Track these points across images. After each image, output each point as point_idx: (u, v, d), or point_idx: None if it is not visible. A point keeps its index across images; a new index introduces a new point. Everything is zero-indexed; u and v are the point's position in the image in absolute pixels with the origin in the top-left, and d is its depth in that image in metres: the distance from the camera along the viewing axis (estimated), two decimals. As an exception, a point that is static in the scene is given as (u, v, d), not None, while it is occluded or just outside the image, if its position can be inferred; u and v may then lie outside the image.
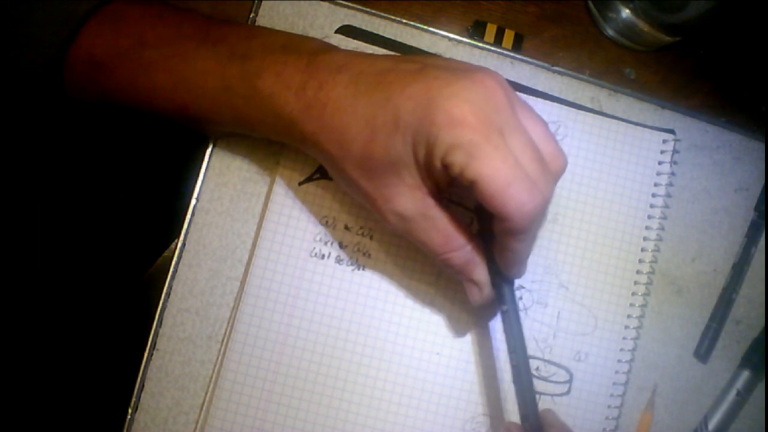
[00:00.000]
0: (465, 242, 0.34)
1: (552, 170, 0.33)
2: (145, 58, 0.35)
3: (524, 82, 0.43)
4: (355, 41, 0.41)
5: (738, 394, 0.42)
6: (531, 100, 0.42)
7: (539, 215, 0.31)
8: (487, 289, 0.35)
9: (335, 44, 0.40)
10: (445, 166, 0.30)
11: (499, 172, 0.30)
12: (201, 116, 0.37)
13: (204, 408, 0.38)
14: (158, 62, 0.35)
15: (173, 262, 0.39)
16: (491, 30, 0.45)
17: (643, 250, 0.42)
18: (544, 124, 0.33)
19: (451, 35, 0.43)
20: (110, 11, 0.36)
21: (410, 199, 0.33)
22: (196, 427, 0.38)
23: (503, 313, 0.35)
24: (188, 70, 0.35)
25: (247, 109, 0.35)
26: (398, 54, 0.37)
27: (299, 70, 0.34)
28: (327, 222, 0.39)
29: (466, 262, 0.34)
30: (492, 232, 0.33)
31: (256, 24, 0.42)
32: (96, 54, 0.35)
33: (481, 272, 0.35)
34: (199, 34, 0.35)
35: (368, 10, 0.43)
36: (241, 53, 0.34)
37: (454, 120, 0.30)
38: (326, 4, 0.42)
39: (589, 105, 0.44)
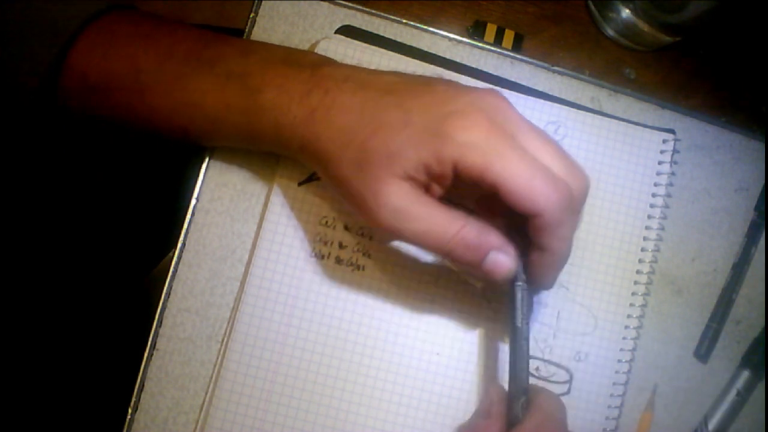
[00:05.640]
0: (467, 214, 0.33)
1: (579, 196, 0.33)
2: (140, 82, 0.34)
3: (524, 82, 0.43)
4: (355, 41, 0.41)
5: (738, 394, 0.42)
6: (531, 100, 0.42)
7: (571, 206, 0.32)
8: (512, 249, 0.33)
9: (335, 44, 0.41)
10: (458, 171, 0.31)
11: (519, 170, 0.30)
12: (202, 136, 0.37)
13: (204, 408, 0.38)
14: (154, 87, 0.35)
15: (173, 262, 0.39)
16: (491, 30, 0.45)
17: (643, 250, 0.42)
18: (556, 145, 0.34)
19: (451, 35, 0.43)
20: (99, 29, 0.35)
21: (400, 190, 0.32)
22: (196, 427, 0.38)
23: (516, 287, 0.35)
24: (186, 93, 0.35)
25: (247, 124, 0.35)
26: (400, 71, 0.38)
27: (302, 81, 0.34)
28: (327, 222, 0.39)
29: (480, 231, 0.32)
30: (528, 241, 0.33)
31: (256, 24, 0.42)
32: (89, 77, 0.34)
33: (498, 235, 0.33)
34: (192, 57, 0.35)
35: (368, 10, 0.43)
36: (240, 71, 0.34)
37: (469, 125, 0.31)
38: (326, 4, 0.42)
39: (589, 105, 0.44)
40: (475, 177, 0.31)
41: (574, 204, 0.33)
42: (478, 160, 0.30)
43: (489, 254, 0.33)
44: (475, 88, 0.33)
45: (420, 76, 0.36)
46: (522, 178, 0.30)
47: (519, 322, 0.36)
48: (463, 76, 0.42)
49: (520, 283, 0.35)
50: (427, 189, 0.33)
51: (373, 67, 0.39)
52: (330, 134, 0.33)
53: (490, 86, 0.36)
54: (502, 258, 0.33)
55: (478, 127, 0.31)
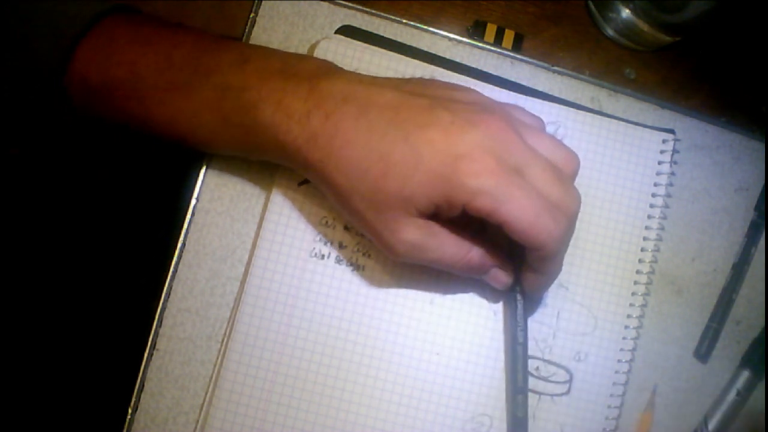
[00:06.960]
0: (472, 238, 0.36)
1: (568, 174, 0.36)
2: (138, 89, 0.35)
3: (524, 82, 0.43)
4: (355, 41, 0.41)
5: (738, 394, 0.42)
6: (531, 100, 0.42)
7: (568, 236, 0.35)
8: (510, 266, 0.37)
9: (335, 44, 0.41)
10: (467, 210, 0.33)
11: (526, 210, 0.32)
12: (200, 145, 0.37)
13: (204, 408, 0.38)
14: (153, 95, 0.35)
15: (173, 262, 0.39)
16: (491, 30, 0.45)
17: (643, 250, 0.42)
18: (550, 136, 0.36)
19: (451, 35, 0.43)
20: (101, 32, 0.35)
21: (415, 226, 0.34)
22: (196, 427, 0.38)
23: (514, 300, 0.38)
24: (184, 103, 0.35)
25: (246, 138, 0.35)
26: (399, 78, 0.38)
27: (301, 98, 0.33)
28: (327, 222, 0.39)
29: (483, 254, 0.36)
30: (523, 260, 0.36)
31: (256, 24, 0.42)
32: (90, 80, 0.35)
33: (498, 256, 0.37)
34: (190, 64, 0.35)
35: (368, 10, 0.43)
36: (237, 84, 0.34)
37: (478, 170, 0.32)
38: (326, 4, 0.42)
39: (589, 105, 0.44)
40: (483, 216, 0.33)
41: (570, 229, 0.35)
42: (487, 203, 0.32)
43: (490, 270, 0.37)
44: (476, 114, 0.33)
45: (417, 84, 0.36)
46: (527, 217, 0.32)
47: (516, 327, 0.38)
48: (463, 76, 0.42)
49: (517, 294, 0.38)
50: (435, 217, 0.35)
51: (373, 68, 0.39)
52: (337, 164, 0.33)
53: (487, 106, 0.36)
54: (501, 274, 0.37)
55: (487, 172, 0.32)
